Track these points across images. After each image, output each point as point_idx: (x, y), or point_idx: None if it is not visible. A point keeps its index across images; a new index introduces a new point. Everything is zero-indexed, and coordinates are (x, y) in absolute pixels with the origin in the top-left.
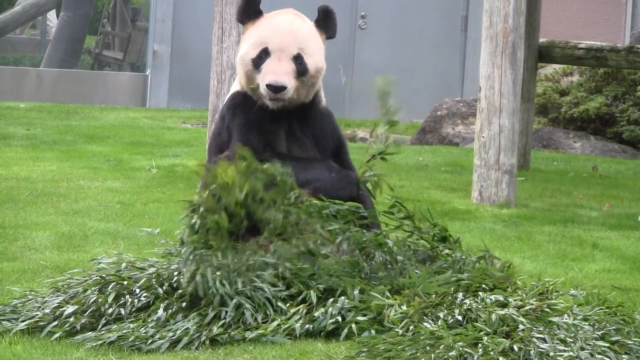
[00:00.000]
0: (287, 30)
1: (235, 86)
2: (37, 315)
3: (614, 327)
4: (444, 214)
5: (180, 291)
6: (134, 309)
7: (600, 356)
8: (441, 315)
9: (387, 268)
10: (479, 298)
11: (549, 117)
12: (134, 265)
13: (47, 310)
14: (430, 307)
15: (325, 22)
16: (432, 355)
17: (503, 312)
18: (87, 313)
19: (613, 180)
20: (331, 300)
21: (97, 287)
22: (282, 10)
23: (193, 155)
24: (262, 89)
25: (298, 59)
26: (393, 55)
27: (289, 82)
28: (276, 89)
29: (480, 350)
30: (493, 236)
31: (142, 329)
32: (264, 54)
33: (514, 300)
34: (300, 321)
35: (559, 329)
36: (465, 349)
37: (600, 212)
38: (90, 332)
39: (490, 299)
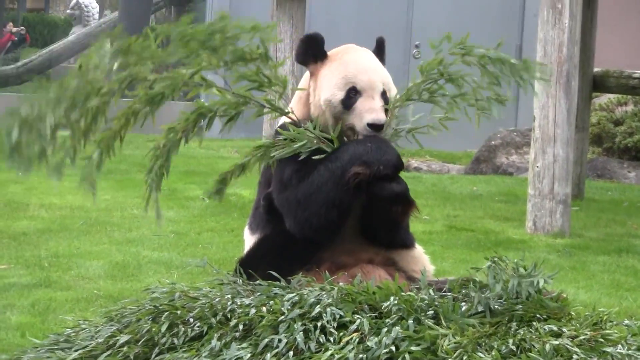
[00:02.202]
0: (371, 68)
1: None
2: (90, 344)
3: None
4: (497, 243)
5: (235, 321)
6: (187, 339)
7: None
8: (495, 345)
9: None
10: (532, 328)
11: (603, 147)
12: (188, 294)
13: (100, 340)
14: (484, 337)
15: (381, 51)
16: None
17: (557, 342)
18: (140, 342)
19: None
20: (385, 329)
21: (150, 316)
22: (347, 48)
23: (247, 185)
24: (362, 128)
25: (384, 95)
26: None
27: (384, 118)
28: (378, 127)
29: None
30: (547, 266)
31: (196, 358)
32: (353, 93)
33: (568, 330)
34: (354, 351)
35: (613, 359)
36: None
37: None
38: None
39: (544, 329)
